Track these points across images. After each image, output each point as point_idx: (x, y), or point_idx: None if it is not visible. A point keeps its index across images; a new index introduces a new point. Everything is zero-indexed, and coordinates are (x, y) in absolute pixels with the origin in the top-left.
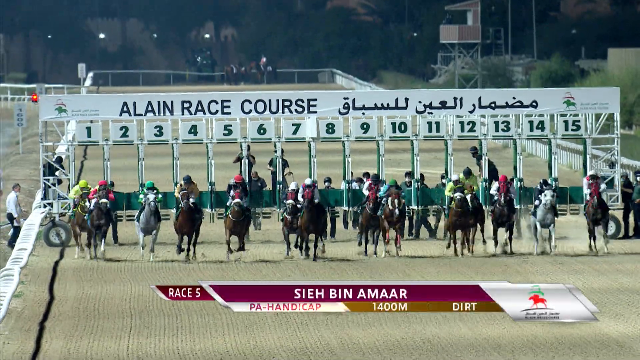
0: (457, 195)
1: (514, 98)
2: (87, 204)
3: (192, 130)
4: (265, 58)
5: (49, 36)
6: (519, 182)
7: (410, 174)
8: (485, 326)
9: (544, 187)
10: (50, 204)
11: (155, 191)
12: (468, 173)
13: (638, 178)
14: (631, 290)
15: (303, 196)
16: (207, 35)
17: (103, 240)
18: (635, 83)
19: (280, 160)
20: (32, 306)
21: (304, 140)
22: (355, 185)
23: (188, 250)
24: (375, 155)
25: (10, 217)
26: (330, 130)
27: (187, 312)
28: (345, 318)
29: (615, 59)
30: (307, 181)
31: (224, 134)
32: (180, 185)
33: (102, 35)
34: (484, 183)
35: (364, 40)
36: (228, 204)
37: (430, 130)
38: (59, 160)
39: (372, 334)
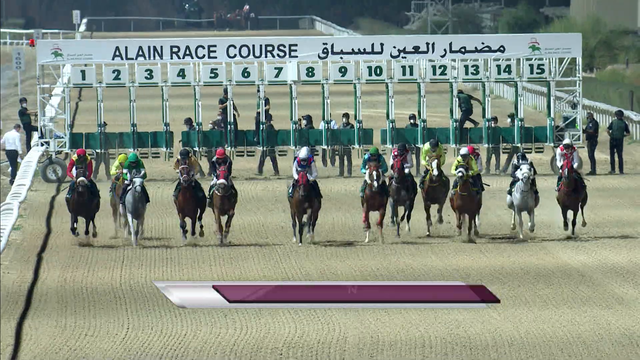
0: (458, 172)
1: (482, 43)
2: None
3: (181, 74)
4: (248, 6)
5: None
6: (487, 122)
7: (414, 117)
8: (454, 257)
9: (521, 160)
10: (47, 143)
11: (141, 171)
12: (435, 145)
13: (616, 118)
14: (592, 223)
15: (297, 180)
16: None
17: (92, 224)
18: (595, 29)
19: (263, 101)
20: (31, 238)
21: (285, 83)
22: (333, 125)
23: (199, 225)
24: (352, 97)
25: (14, 154)
26: (310, 74)
27: (176, 244)
28: (324, 250)
29: (577, 6)
30: (303, 154)
31: (210, 77)
32: (178, 160)
33: None
34: (455, 123)
35: None
36: (212, 183)
37: (404, 74)
38: (24, 108)
39: (350, 264)
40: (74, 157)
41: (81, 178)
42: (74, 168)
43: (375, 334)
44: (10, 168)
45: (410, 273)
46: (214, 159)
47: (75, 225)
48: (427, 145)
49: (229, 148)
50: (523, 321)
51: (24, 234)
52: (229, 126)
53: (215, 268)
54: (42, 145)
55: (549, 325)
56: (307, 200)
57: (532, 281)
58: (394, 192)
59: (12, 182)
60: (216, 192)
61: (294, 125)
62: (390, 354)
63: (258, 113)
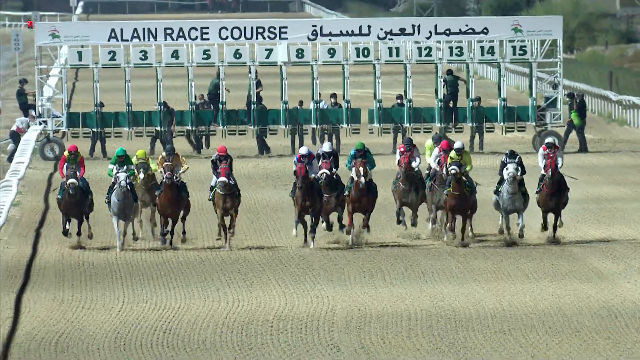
0: (451, 169)
1: (466, 25)
2: (141, 175)
3: (174, 55)
4: None
5: None
6: (470, 103)
7: (401, 97)
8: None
9: (508, 159)
10: (45, 122)
11: (125, 167)
12: (439, 140)
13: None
14: (572, 200)
15: (295, 172)
16: None
17: (86, 224)
18: (575, 11)
19: (254, 82)
20: (29, 214)
21: (275, 64)
22: (323, 105)
23: (172, 233)
24: (340, 78)
25: (15, 134)
26: (299, 55)
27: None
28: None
29: None
30: (303, 150)
31: (203, 58)
32: (162, 157)
33: None
34: (440, 103)
35: None
36: (213, 183)
37: (390, 55)
38: (22, 89)
39: (339, 241)
40: (65, 153)
41: (71, 180)
42: (65, 166)
43: (363, 307)
44: (10, 146)
45: (396, 249)
46: (214, 156)
47: (67, 227)
48: (429, 142)
49: (221, 127)
50: (505, 294)
51: (23, 210)
52: (220, 106)
53: (208, 244)
54: (40, 124)
55: (530, 298)
56: (307, 195)
57: (515, 256)
58: (402, 195)
59: (9, 160)
60: (218, 191)
61: (284, 105)
62: (377, 326)
63: (249, 94)
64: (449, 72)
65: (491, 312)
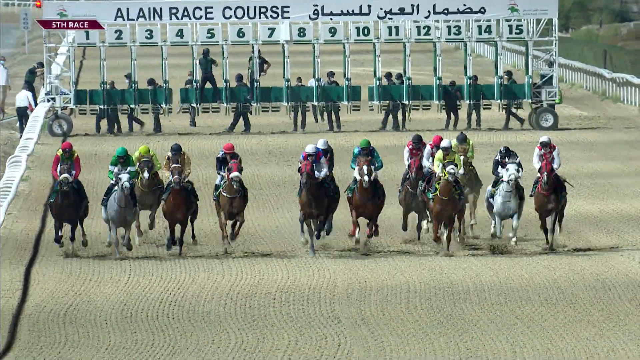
0: (449, 169)
1: (464, 5)
2: (145, 174)
3: (179, 34)
4: None
5: None
6: (468, 80)
7: (400, 75)
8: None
9: (506, 158)
10: (54, 99)
11: (127, 169)
12: (463, 140)
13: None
14: (567, 175)
15: (299, 170)
16: None
17: (80, 230)
18: None
19: (258, 60)
20: (38, 189)
21: (278, 43)
22: (322, 83)
23: (181, 243)
24: (341, 56)
25: (24, 111)
26: (301, 34)
27: None
28: None
29: None
30: (309, 149)
31: (207, 37)
32: (168, 157)
33: None
34: (439, 80)
35: None
36: (217, 183)
37: (390, 34)
38: (35, 68)
39: (338, 216)
40: (59, 152)
41: (65, 175)
42: (59, 166)
43: (363, 280)
44: (18, 123)
45: (392, 222)
46: (220, 154)
47: (60, 234)
48: (454, 141)
49: (225, 104)
50: (502, 267)
51: (32, 185)
52: (224, 83)
53: (213, 218)
54: (48, 101)
55: (526, 271)
56: (314, 199)
57: (510, 230)
58: (408, 199)
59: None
60: (223, 193)
61: (286, 83)
62: (377, 299)
63: (252, 72)
64: (452, 83)
65: (488, 284)
